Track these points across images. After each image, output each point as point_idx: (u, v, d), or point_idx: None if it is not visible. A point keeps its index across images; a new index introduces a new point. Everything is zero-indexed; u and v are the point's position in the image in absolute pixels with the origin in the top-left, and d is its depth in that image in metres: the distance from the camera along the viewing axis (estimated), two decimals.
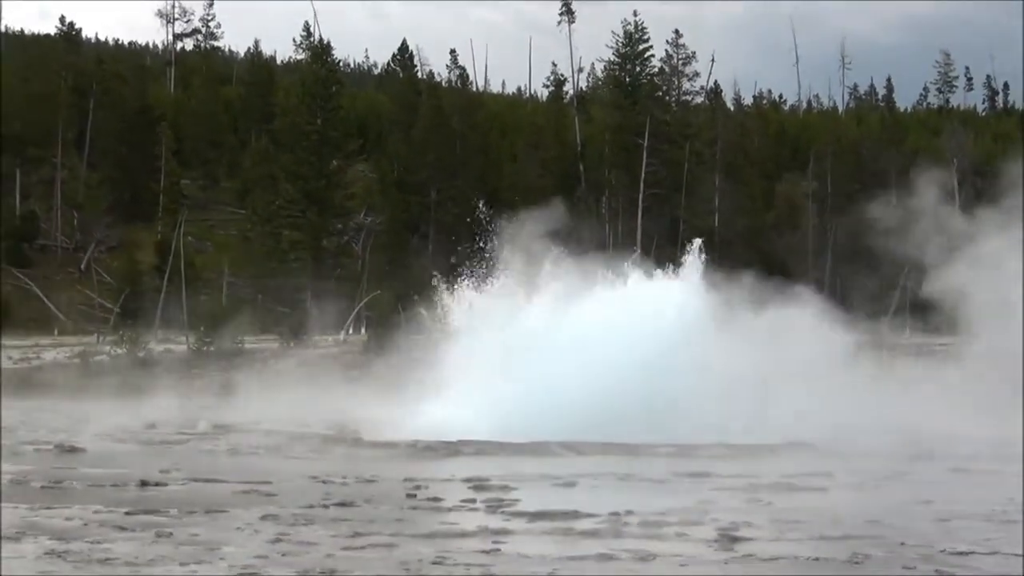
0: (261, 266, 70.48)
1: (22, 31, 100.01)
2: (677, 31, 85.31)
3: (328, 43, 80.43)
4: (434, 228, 75.68)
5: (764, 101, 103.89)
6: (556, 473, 19.94)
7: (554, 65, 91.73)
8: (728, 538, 13.43)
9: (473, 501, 16.68)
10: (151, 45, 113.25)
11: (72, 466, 21.48)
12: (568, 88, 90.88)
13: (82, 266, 75.74)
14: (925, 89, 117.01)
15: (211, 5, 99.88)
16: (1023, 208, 27.39)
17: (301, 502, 16.33)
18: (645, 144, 76.74)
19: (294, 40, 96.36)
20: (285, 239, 73.02)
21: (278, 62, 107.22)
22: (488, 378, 28.60)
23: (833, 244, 73.01)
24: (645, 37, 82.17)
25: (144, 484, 18.59)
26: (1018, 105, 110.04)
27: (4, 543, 13.06)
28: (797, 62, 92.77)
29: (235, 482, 18.76)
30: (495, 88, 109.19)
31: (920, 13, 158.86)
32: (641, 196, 76.08)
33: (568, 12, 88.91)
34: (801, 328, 28.26)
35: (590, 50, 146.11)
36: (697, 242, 31.94)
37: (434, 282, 33.27)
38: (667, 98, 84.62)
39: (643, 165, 75.86)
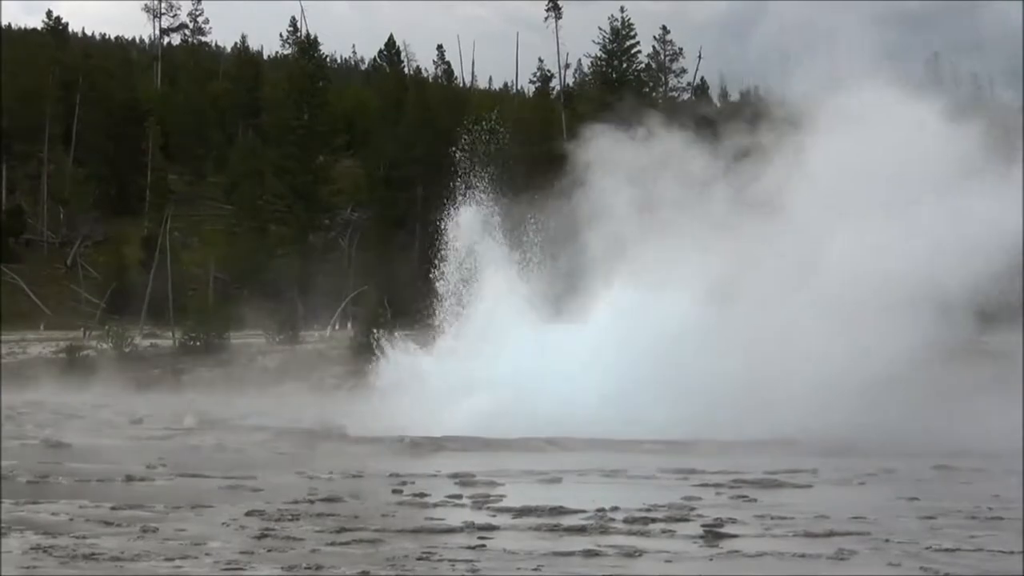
0: (247, 261, 70.40)
1: (9, 26, 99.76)
2: (664, 27, 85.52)
3: (315, 38, 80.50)
4: (420, 224, 75.57)
5: (751, 97, 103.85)
6: (542, 469, 19.95)
7: (541, 61, 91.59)
8: (713, 534, 13.45)
9: (459, 497, 16.68)
10: (138, 40, 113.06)
11: (58, 461, 21.47)
12: (555, 84, 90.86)
13: (68, 261, 75.64)
14: None
15: (200, 1, 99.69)
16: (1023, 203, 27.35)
17: (287, 498, 16.32)
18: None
19: (281, 35, 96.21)
20: (271, 234, 73.04)
21: (265, 57, 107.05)
22: (474, 374, 28.68)
23: None
24: (632, 33, 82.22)
25: (130, 479, 18.59)
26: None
27: None
28: (785, 60, 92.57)
29: (221, 477, 18.77)
30: (482, 84, 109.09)
31: (907, 10, 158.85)
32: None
33: (555, 8, 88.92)
34: None
35: (577, 46, 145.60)
36: None
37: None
38: (654, 94, 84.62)
39: None
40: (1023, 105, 27.77)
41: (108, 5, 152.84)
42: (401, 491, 17.23)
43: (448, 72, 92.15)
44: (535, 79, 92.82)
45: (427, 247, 69.52)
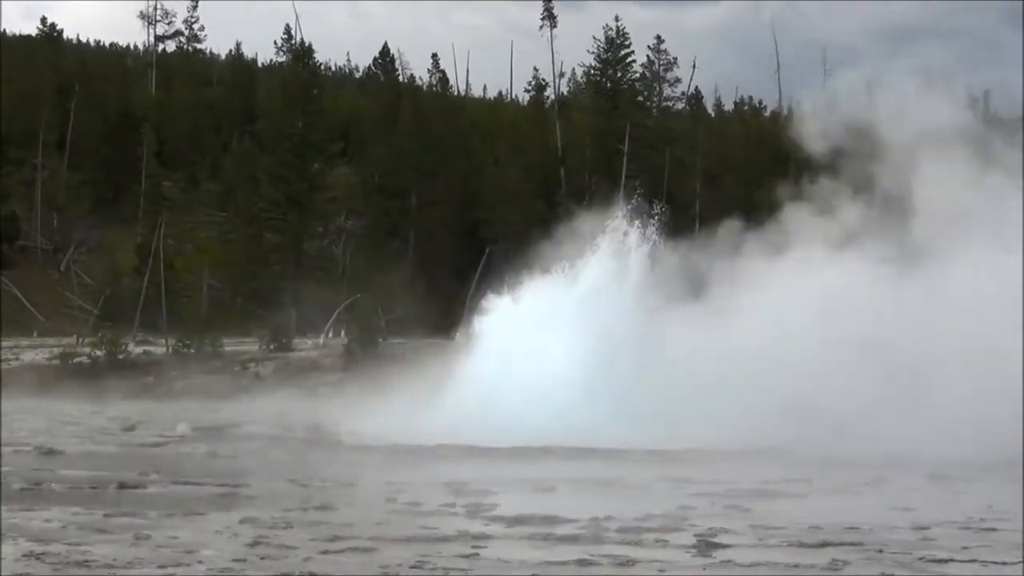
0: (241, 268, 70.34)
1: (5, 32, 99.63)
2: (659, 37, 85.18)
3: (309, 46, 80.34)
4: (414, 232, 75.61)
5: (745, 108, 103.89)
6: (536, 478, 19.95)
7: (535, 70, 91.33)
8: (707, 544, 13.46)
9: (453, 505, 16.69)
10: (133, 47, 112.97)
11: (51, 468, 21.46)
12: (549, 93, 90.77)
13: (62, 267, 75.53)
14: None
15: (195, 7, 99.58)
16: (1023, 209, 27.44)
17: (280, 505, 16.33)
18: (626, 149, 76.73)
19: (275, 43, 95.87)
20: (266, 242, 72.93)
21: (259, 64, 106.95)
22: (468, 382, 28.72)
23: None
24: (627, 42, 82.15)
25: (123, 486, 18.58)
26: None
27: None
28: (778, 69, 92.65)
29: (214, 485, 18.77)
30: (476, 92, 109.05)
31: (902, 19, 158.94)
32: (621, 201, 75.90)
33: (550, 17, 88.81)
34: None
35: (572, 54, 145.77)
36: None
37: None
38: (648, 103, 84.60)
39: (623, 170, 75.91)
40: (1023, 115, 27.72)
41: (104, 12, 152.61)
42: (395, 499, 17.24)
43: (443, 80, 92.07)
44: (530, 88, 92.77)
45: (423, 255, 69.81)
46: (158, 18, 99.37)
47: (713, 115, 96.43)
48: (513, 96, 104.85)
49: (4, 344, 54.77)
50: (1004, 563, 12.55)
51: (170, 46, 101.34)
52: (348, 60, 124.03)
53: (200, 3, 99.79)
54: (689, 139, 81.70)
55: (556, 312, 30.65)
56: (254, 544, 13.34)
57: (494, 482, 19.05)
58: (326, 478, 19.75)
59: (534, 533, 14.23)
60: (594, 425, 25.62)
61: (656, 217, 32.95)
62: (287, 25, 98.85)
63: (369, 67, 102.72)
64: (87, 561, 12.29)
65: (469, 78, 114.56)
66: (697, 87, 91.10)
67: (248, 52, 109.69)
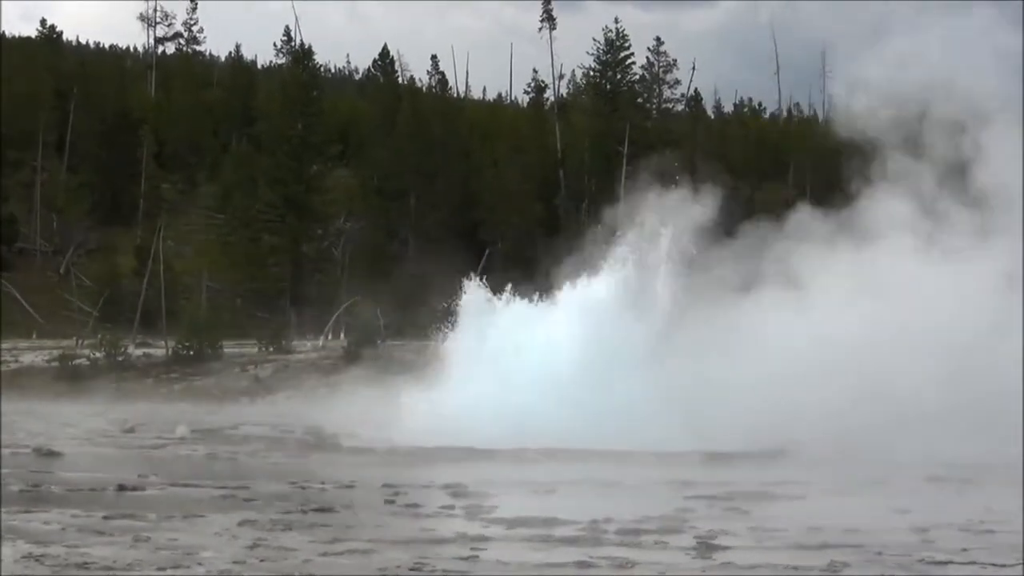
0: (241, 270, 70.33)
1: (3, 33, 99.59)
2: (658, 38, 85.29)
3: (309, 47, 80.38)
4: (414, 234, 75.58)
5: (745, 109, 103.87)
6: (535, 480, 19.95)
7: (535, 71, 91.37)
8: (706, 546, 13.45)
9: (452, 507, 16.69)
10: (132, 49, 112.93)
11: (50, 470, 21.44)
12: (549, 94, 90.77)
13: (61, 269, 75.51)
14: None
15: (195, 9, 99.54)
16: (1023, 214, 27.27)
17: (279, 507, 16.32)
18: (625, 151, 76.73)
19: (275, 44, 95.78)
20: (265, 244, 72.90)
21: (259, 66, 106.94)
22: (467, 384, 28.71)
23: None
24: (626, 44, 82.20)
25: (122, 488, 18.56)
26: None
27: None
28: (778, 71, 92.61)
29: (213, 487, 18.75)
30: (476, 94, 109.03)
31: (904, 19, 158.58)
32: (621, 203, 75.80)
33: (549, 19, 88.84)
34: None
35: (571, 57, 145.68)
36: None
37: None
38: (648, 105, 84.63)
39: (623, 172, 75.92)
40: (1023, 114, 27.49)
41: (104, 14, 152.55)
42: (394, 501, 17.24)
43: (442, 82, 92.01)
44: (529, 89, 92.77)
45: (422, 257, 69.72)
46: (158, 20, 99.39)
47: (713, 117, 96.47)
48: (512, 98, 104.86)
49: (3, 346, 54.73)
50: (1003, 565, 12.54)
51: (169, 48, 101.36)
52: (348, 62, 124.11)
53: (200, 5, 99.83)
54: (689, 141, 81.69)
55: (561, 312, 30.68)
56: (253, 546, 13.34)
57: (493, 484, 19.05)
58: (325, 480, 19.74)
59: (533, 535, 14.22)
60: (594, 426, 25.59)
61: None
62: (287, 27, 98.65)
63: (368, 69, 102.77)
64: (86, 563, 12.28)
65: (468, 80, 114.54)
66: (697, 89, 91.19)
67: (247, 54, 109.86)
